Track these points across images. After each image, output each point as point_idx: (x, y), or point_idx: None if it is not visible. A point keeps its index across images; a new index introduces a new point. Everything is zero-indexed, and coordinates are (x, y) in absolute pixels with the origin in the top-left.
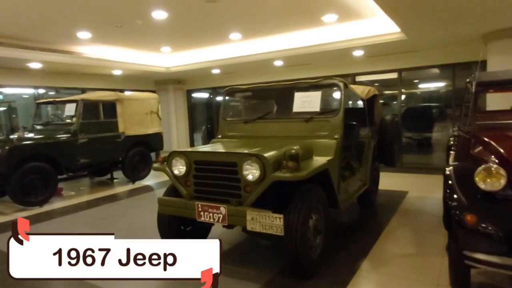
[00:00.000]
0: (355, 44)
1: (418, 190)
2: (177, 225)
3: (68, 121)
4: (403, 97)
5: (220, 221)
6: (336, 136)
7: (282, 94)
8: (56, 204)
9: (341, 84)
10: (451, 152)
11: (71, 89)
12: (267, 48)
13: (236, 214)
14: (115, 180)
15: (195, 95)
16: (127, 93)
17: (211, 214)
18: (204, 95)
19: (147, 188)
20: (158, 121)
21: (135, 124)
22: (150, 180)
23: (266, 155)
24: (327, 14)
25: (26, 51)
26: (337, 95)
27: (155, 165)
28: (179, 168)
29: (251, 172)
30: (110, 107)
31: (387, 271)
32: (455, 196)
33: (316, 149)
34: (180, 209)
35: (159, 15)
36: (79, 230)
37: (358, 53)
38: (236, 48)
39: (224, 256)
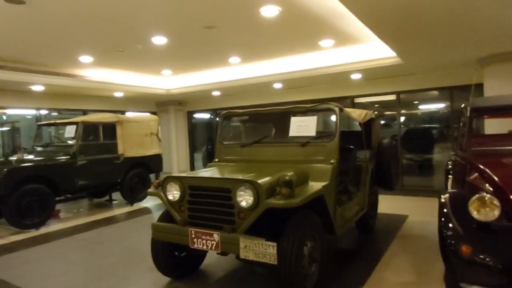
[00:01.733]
0: (353, 68)
1: (419, 214)
2: (171, 251)
3: (69, 142)
4: (403, 118)
5: (213, 248)
6: (332, 161)
7: (278, 118)
8: (52, 226)
9: (336, 109)
10: (450, 176)
11: (73, 110)
12: (266, 71)
13: (230, 242)
14: (113, 202)
15: (196, 116)
16: (128, 114)
17: (204, 241)
18: (205, 116)
19: (145, 211)
20: (158, 143)
21: (135, 145)
22: (149, 202)
23: (259, 181)
24: (324, 39)
25: (29, 75)
26: (332, 119)
27: (149, 190)
28: (174, 193)
29: (245, 199)
30: (110, 129)
31: None
32: (450, 225)
33: (312, 174)
34: (174, 235)
35: (159, 40)
36: (72, 255)
37: (356, 76)
38: (235, 71)
39: (219, 283)
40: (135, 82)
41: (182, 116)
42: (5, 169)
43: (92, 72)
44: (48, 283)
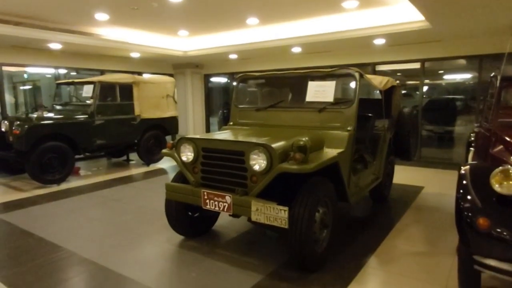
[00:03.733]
0: (376, 32)
1: (435, 186)
2: (184, 211)
3: (87, 101)
4: (426, 88)
5: (225, 210)
6: (348, 128)
7: (295, 82)
8: (73, 183)
9: (356, 74)
10: (471, 149)
11: (91, 70)
12: (285, 34)
13: (241, 204)
14: (131, 162)
15: (213, 79)
16: (145, 75)
17: (216, 203)
18: (221, 79)
19: (161, 171)
20: (174, 105)
21: (151, 107)
22: (165, 163)
23: (273, 145)
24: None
25: (45, 32)
26: (352, 85)
27: (164, 150)
28: (187, 154)
29: (258, 162)
30: (127, 90)
31: (394, 269)
32: (468, 197)
33: (327, 140)
34: (187, 196)
35: None
36: (91, 210)
37: (379, 41)
38: (253, 33)
39: (230, 244)
40: (151, 42)
41: (198, 79)
42: (26, 126)
43: (108, 31)
44: (68, 235)
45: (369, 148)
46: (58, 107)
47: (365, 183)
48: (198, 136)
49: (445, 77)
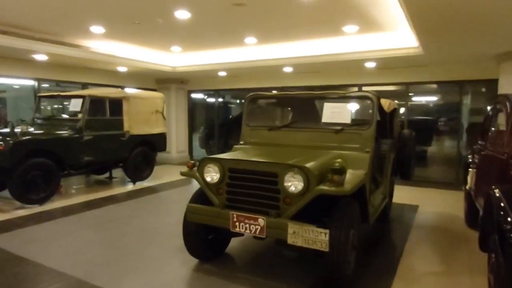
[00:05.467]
0: (370, 56)
1: (429, 204)
2: (203, 233)
3: (67, 116)
4: (403, 109)
5: (257, 233)
6: (367, 150)
7: (308, 103)
8: (56, 202)
9: (374, 98)
10: (470, 169)
11: (72, 83)
12: (280, 54)
13: (276, 227)
14: (113, 179)
15: (195, 95)
16: (127, 89)
17: (247, 225)
18: (203, 96)
19: (150, 190)
20: (163, 121)
21: (140, 123)
22: (151, 181)
23: (310, 167)
24: (349, 25)
25: (34, 42)
26: (369, 108)
27: (183, 170)
28: (212, 175)
29: (294, 184)
30: (116, 105)
31: None
32: (509, 219)
33: (347, 161)
34: (212, 218)
35: (182, 15)
36: (87, 233)
37: (370, 64)
38: (248, 52)
39: (249, 267)
40: (141, 57)
41: (182, 95)
42: (11, 141)
43: (100, 44)
44: (69, 260)
45: (377, 168)
46: (40, 121)
47: (377, 203)
48: (224, 157)
49: (424, 98)
